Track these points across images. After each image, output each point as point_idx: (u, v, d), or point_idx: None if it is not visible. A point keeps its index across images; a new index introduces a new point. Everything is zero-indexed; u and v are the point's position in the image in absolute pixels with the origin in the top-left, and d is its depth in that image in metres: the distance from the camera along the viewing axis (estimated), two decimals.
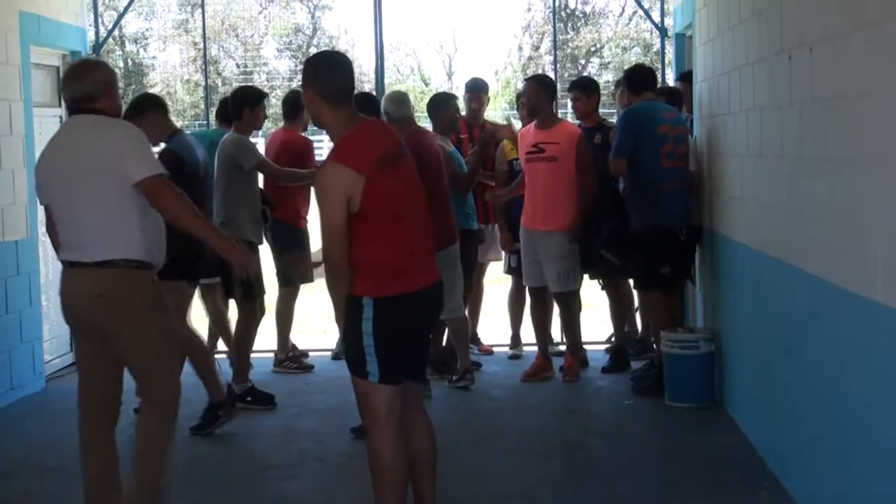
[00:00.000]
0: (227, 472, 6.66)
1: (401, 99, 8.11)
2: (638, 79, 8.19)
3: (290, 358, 9.16)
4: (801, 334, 5.48)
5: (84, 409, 5.37)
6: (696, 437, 7.01)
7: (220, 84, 32.09)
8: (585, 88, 8.83)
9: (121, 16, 10.81)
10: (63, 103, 6.97)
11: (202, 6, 11.59)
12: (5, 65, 8.32)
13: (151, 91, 37.26)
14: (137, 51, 38.21)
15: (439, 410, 7.84)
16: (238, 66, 34.14)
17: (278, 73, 36.95)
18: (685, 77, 8.99)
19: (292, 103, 8.83)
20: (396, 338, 4.85)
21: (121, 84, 36.17)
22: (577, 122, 8.97)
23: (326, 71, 4.88)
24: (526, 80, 8.98)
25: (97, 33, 10.20)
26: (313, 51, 38.62)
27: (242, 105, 8.00)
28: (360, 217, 4.72)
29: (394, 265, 4.81)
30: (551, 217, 8.32)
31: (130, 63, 38.58)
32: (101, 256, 5.09)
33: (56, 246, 5.38)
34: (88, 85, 5.19)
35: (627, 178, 8.03)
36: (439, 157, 7.85)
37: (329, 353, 9.57)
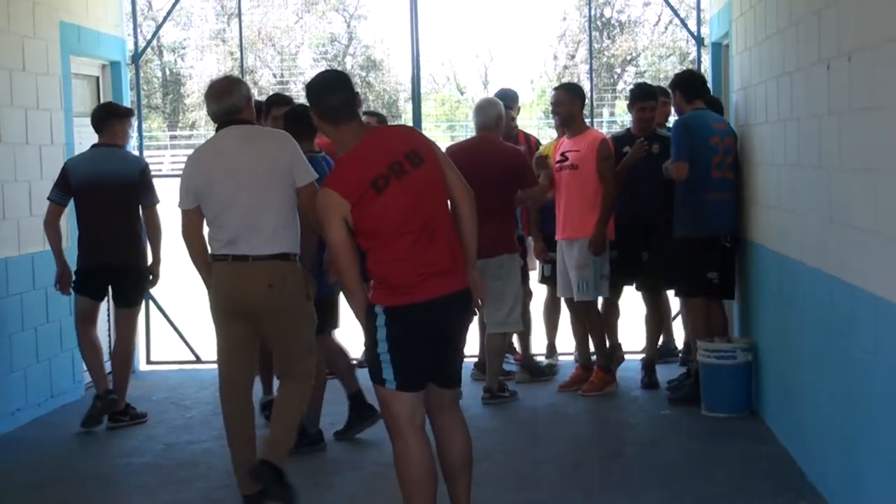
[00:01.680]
0: None
1: (476, 106, 8.43)
2: (690, 86, 8.12)
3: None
4: (840, 344, 5.45)
5: (231, 384, 6.03)
6: (734, 447, 6.98)
7: (256, 93, 32.17)
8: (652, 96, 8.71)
9: (159, 26, 10.89)
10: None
11: (239, 16, 11.64)
12: (46, 75, 8.40)
13: (188, 100, 37.59)
14: (175, 60, 38.59)
15: (474, 418, 7.85)
16: (274, 75, 34.37)
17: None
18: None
19: None
20: (410, 345, 4.91)
21: (158, 94, 36.54)
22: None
23: (322, 94, 5.08)
24: (556, 88, 8.85)
25: (136, 43, 10.28)
26: (349, 60, 38.89)
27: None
28: (357, 235, 4.91)
29: (399, 279, 4.88)
30: (570, 225, 8.34)
31: (168, 73, 38.91)
32: (275, 250, 5.83)
33: (196, 244, 5.97)
34: (236, 99, 5.92)
35: (678, 187, 7.93)
36: (481, 168, 7.81)
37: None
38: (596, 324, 8.50)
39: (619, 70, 35.71)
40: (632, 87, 9.12)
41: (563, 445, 7.25)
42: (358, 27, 39.05)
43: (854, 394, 5.25)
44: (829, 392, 5.72)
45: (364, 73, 38.05)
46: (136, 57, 10.12)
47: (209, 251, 5.97)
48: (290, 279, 5.88)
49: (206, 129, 34.59)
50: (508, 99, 9.21)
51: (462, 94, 40.15)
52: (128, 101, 9.84)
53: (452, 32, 53.59)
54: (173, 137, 35.84)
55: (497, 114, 8.23)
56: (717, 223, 7.80)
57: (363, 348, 5.11)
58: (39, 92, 8.27)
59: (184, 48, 37.39)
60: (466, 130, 36.02)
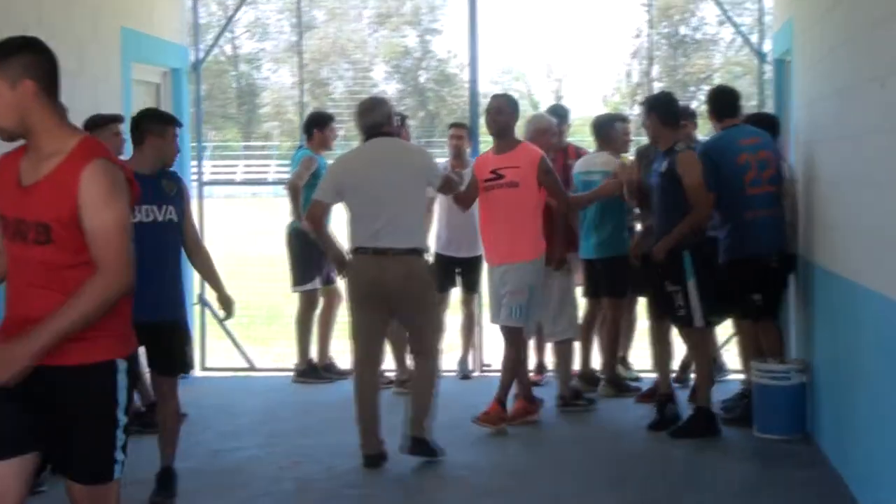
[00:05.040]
0: (308, 488, 6.65)
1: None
2: (719, 105, 7.95)
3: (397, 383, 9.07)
4: None
5: (366, 359, 7.06)
6: (786, 470, 6.84)
7: (329, 105, 32.27)
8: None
9: (219, 35, 10.85)
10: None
11: (300, 31, 11.57)
12: (107, 81, 8.46)
13: (261, 111, 37.90)
14: (250, 71, 38.83)
15: (535, 430, 7.79)
16: (347, 87, 34.46)
17: (387, 96, 37.26)
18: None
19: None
20: None
21: (233, 104, 36.85)
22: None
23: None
24: (495, 96, 8.08)
25: (197, 51, 10.32)
26: (422, 74, 38.99)
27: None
28: None
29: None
30: (508, 249, 7.69)
31: (244, 83, 39.18)
32: (408, 245, 6.88)
33: (324, 227, 7.27)
34: (378, 116, 7.00)
35: (715, 213, 7.72)
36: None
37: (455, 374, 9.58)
38: (520, 353, 8.00)
39: (693, 88, 35.41)
40: None
41: (608, 463, 7.15)
42: (432, 41, 39.08)
43: None
44: (885, 417, 5.57)
45: (438, 88, 38.09)
46: (198, 65, 10.17)
47: (350, 244, 7.01)
48: (422, 269, 7.00)
49: (279, 140, 34.88)
50: (557, 115, 9.09)
51: (536, 109, 40.05)
52: (187, 108, 9.92)
53: (527, 48, 53.52)
54: (247, 147, 36.08)
55: (536, 129, 8.31)
56: (760, 242, 7.61)
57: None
58: (99, 97, 8.30)
59: (259, 59, 37.63)
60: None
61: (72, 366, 3.78)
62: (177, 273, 6.27)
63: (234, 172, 31.39)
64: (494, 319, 7.99)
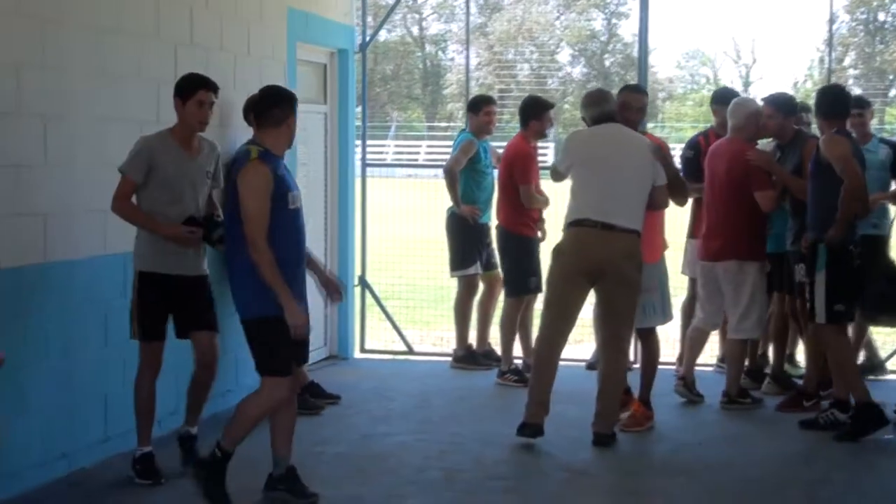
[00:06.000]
0: (454, 478, 6.52)
1: (729, 108, 8.12)
2: None
3: (513, 371, 8.94)
4: None
5: (547, 340, 7.14)
6: None
7: (514, 88, 32.19)
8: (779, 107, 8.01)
9: (385, 17, 10.78)
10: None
11: (466, 18, 11.48)
12: (272, 59, 8.47)
13: (446, 91, 38.05)
14: (436, 52, 39.14)
15: (697, 426, 7.53)
16: (532, 69, 34.31)
17: (573, 79, 37.00)
18: None
19: (522, 109, 8.90)
20: None
21: (418, 85, 37.17)
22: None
23: None
24: (632, 90, 7.80)
25: (364, 33, 10.30)
26: (608, 58, 38.50)
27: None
28: None
29: None
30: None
31: (429, 64, 39.46)
32: (631, 226, 6.95)
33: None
34: (609, 106, 7.26)
35: None
36: (718, 171, 7.81)
37: (583, 364, 9.35)
38: (655, 353, 7.73)
39: (892, 76, 34.11)
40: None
41: (769, 464, 6.85)
42: (619, 25, 38.67)
43: None
44: None
45: (622, 72, 37.71)
46: (364, 46, 10.12)
47: (571, 216, 7.07)
48: (637, 251, 6.99)
49: (461, 122, 35.10)
50: (727, 100, 8.70)
51: None
52: (353, 89, 9.90)
53: (716, 32, 52.51)
54: (430, 128, 36.36)
55: (746, 114, 7.96)
56: None
57: None
58: (263, 76, 8.29)
59: (445, 41, 37.96)
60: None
61: None
62: None
63: (418, 153, 31.66)
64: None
